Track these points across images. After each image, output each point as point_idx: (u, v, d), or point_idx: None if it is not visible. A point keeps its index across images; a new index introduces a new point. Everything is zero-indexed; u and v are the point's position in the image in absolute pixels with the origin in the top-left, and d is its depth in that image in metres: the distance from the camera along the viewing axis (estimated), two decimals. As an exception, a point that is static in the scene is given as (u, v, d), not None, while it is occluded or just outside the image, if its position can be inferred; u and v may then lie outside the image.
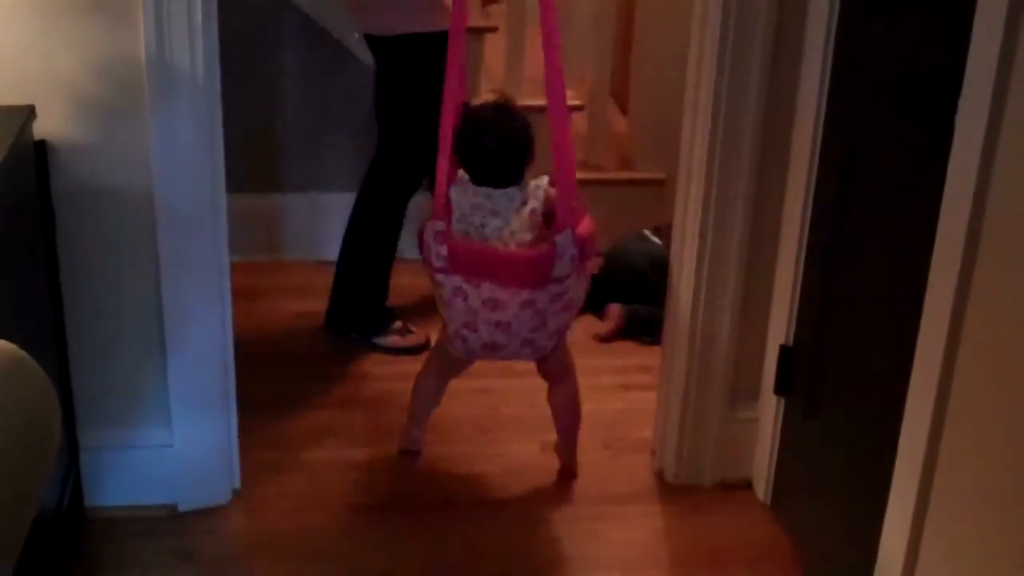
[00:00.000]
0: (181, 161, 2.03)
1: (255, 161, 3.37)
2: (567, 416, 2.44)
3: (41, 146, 1.98)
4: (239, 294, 2.31)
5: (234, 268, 2.24)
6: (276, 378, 2.80)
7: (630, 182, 3.71)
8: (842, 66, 2.00)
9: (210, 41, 2.02)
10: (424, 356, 2.58)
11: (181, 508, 2.25)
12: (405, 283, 3.10)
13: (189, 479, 2.23)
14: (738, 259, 2.27)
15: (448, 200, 2.23)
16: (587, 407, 2.46)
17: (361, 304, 3.02)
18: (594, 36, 3.76)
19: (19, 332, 1.67)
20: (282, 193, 3.52)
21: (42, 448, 0.98)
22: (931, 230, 1.53)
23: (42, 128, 1.97)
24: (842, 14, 2.00)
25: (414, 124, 2.75)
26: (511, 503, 2.38)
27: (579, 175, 2.23)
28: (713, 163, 2.20)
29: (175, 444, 2.21)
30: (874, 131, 1.90)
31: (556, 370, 2.39)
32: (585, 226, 2.16)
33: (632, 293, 3.16)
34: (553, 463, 2.48)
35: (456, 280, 2.20)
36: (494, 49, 3.80)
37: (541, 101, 2.17)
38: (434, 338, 2.56)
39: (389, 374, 2.84)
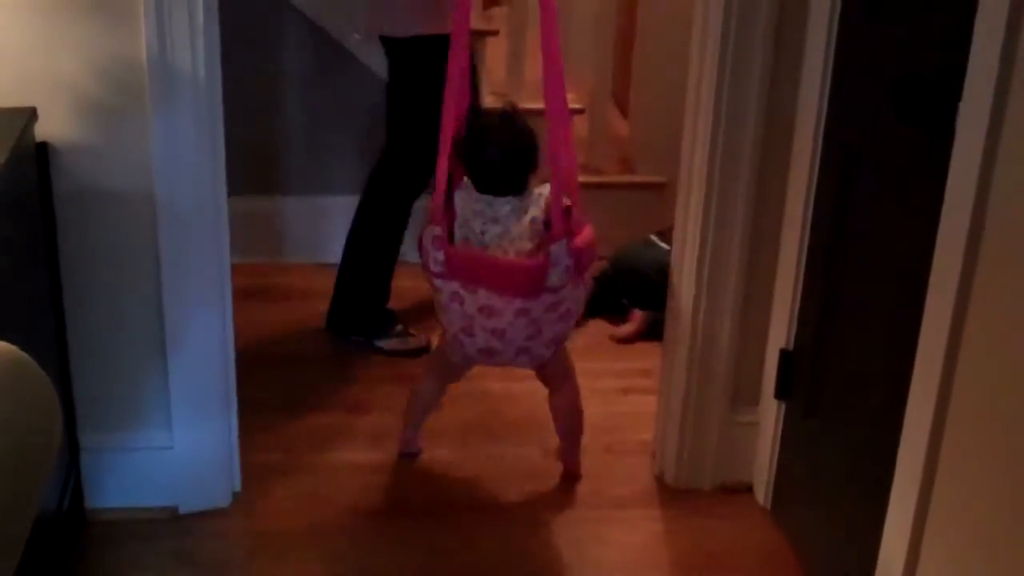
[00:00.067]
0: (182, 163, 2.04)
1: (256, 163, 3.37)
2: (568, 421, 2.44)
3: (42, 148, 1.98)
4: (240, 296, 2.31)
5: (235, 270, 2.24)
6: (276, 380, 2.80)
7: (631, 186, 3.70)
8: (843, 68, 2.00)
9: (211, 43, 2.02)
10: (423, 359, 2.58)
11: (181, 510, 2.25)
12: (406, 286, 3.10)
13: (189, 481, 2.23)
14: (739, 262, 2.27)
15: (447, 205, 2.23)
16: (587, 410, 2.46)
17: (362, 306, 3.01)
18: (594, 39, 3.75)
19: (20, 333, 1.66)
20: (283, 195, 3.52)
21: (43, 450, 0.98)
22: (932, 233, 1.52)
23: (43, 130, 1.97)
24: (843, 16, 2.00)
25: (424, 126, 2.75)
26: (511, 506, 2.38)
27: (580, 179, 2.23)
28: (714, 166, 2.20)
29: (176, 446, 2.21)
30: (875, 133, 1.90)
31: (555, 376, 2.39)
32: (583, 237, 2.15)
33: (641, 299, 3.16)
34: (553, 466, 2.48)
35: (453, 285, 2.20)
36: (496, 52, 3.79)
37: (543, 105, 2.17)
38: (435, 342, 2.56)
39: (389, 376, 2.84)
